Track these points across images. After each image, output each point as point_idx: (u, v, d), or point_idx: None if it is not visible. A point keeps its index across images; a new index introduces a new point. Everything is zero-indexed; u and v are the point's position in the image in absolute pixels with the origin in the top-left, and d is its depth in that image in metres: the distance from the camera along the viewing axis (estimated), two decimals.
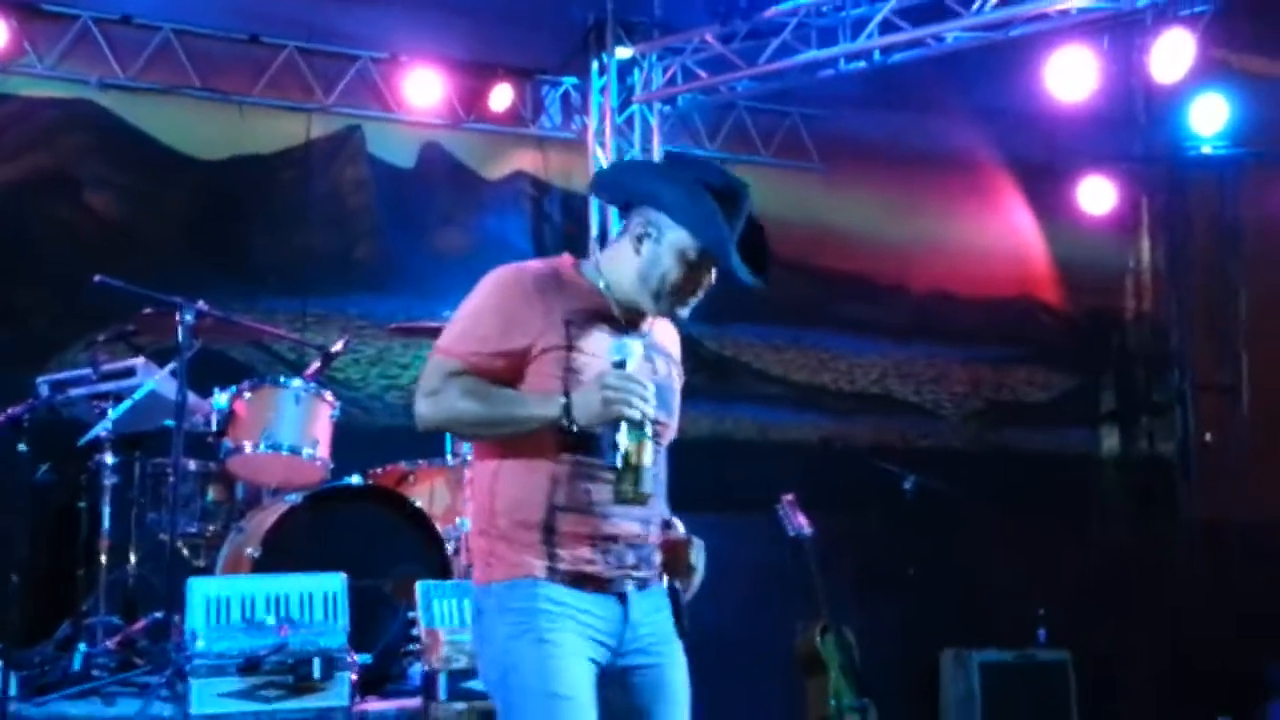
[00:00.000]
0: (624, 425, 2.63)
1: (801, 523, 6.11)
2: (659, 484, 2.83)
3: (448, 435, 5.61)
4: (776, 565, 6.05)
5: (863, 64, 7.25)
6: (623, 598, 2.76)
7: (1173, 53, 6.87)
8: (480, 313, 2.76)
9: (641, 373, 2.73)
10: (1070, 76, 6.99)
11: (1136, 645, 7.22)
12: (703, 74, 7.66)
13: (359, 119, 7.51)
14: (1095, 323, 8.79)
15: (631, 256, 2.81)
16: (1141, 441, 8.70)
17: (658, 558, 2.83)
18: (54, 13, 6.93)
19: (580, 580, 2.72)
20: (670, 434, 2.89)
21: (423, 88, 7.54)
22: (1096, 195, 8.34)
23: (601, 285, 2.83)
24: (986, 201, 8.41)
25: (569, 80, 8.06)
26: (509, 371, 2.73)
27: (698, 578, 2.89)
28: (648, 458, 2.65)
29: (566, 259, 2.90)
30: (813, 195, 8.07)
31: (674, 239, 2.77)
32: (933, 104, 7.89)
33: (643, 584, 2.79)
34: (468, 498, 2.66)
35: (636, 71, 7.90)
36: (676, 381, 2.93)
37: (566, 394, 2.67)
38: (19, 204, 6.66)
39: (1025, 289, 8.60)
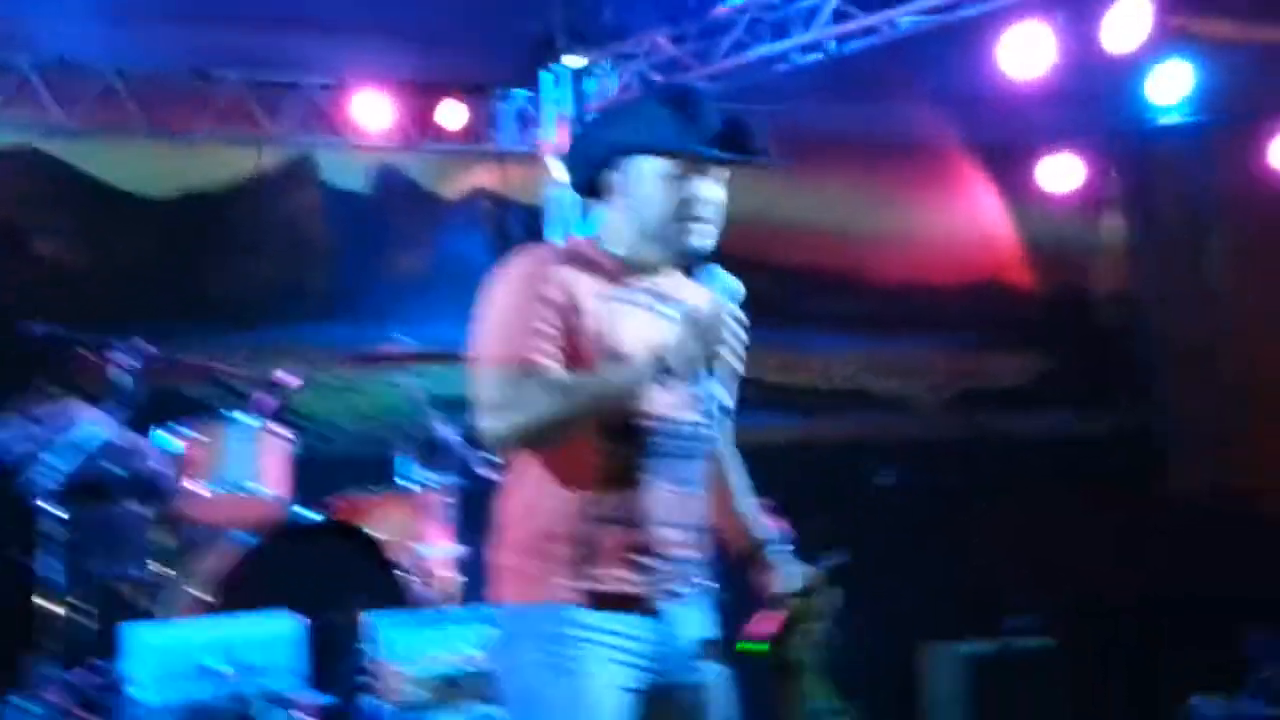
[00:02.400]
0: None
1: (776, 528, 6.02)
2: (707, 477, 2.73)
3: (398, 460, 5.54)
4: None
5: (817, 55, 7.17)
6: (660, 615, 2.62)
7: (1127, 23, 6.81)
8: (517, 306, 2.58)
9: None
10: (1025, 54, 6.89)
11: (1120, 627, 7.11)
12: (658, 77, 7.57)
13: (310, 146, 7.43)
14: (1067, 301, 8.67)
15: (624, 214, 2.67)
16: (1120, 419, 8.58)
17: (701, 569, 2.69)
18: None
19: (615, 602, 2.56)
20: (725, 409, 2.72)
21: (372, 110, 7.44)
22: (1061, 172, 8.23)
23: (621, 253, 2.68)
24: (951, 187, 8.31)
25: (521, 93, 7.96)
26: (566, 360, 2.58)
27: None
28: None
29: (582, 239, 2.75)
30: (775, 192, 7.93)
31: (647, 168, 2.63)
32: (891, 92, 7.79)
33: (681, 597, 2.65)
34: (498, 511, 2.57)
35: (589, 80, 7.80)
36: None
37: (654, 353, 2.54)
38: None
39: (993, 272, 8.49)
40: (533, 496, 2.59)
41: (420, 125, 7.65)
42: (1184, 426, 8.50)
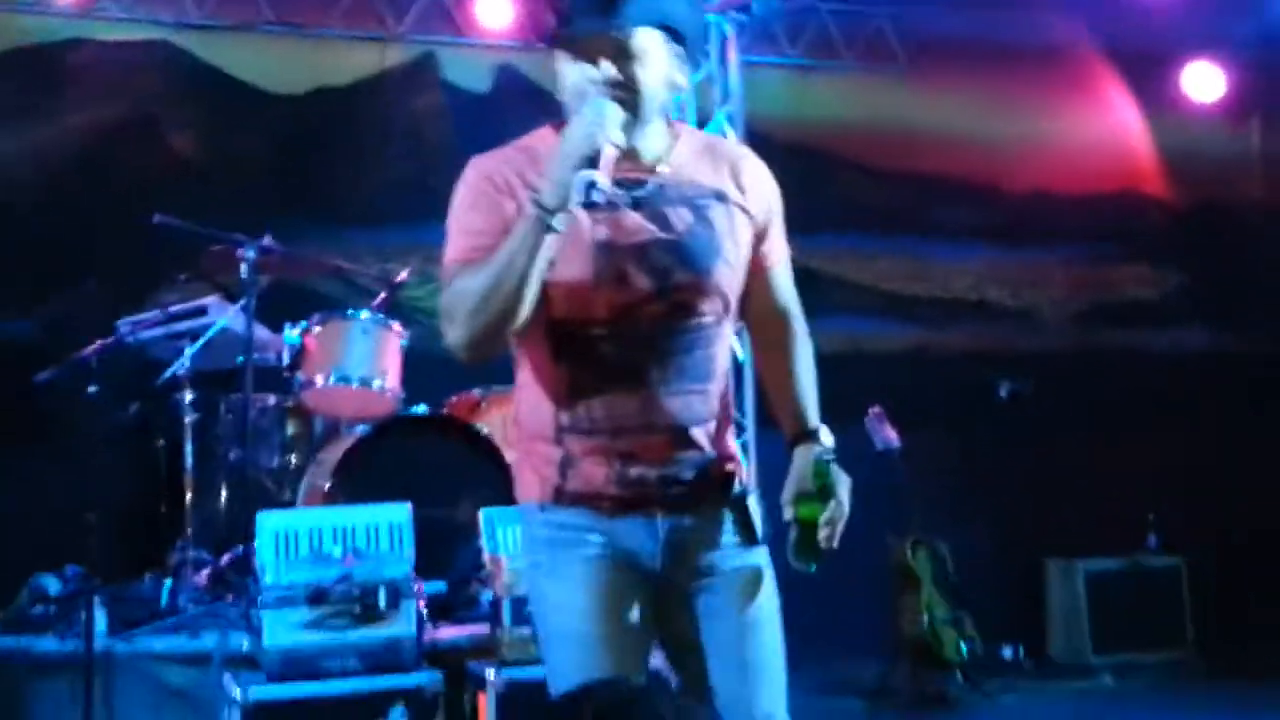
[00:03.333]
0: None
1: (890, 435, 5.99)
2: (708, 369, 2.51)
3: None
4: (866, 479, 5.93)
5: None
6: (651, 521, 2.49)
7: None
8: (459, 214, 2.52)
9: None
10: None
11: (1249, 549, 6.94)
12: None
13: (432, 45, 7.45)
14: (1204, 215, 8.30)
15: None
16: (1255, 337, 8.26)
17: (713, 471, 2.53)
18: None
19: (593, 501, 2.48)
20: (715, 294, 2.50)
21: (494, 10, 7.43)
22: (1203, 82, 7.92)
23: None
24: (1085, 94, 8.01)
25: None
26: None
27: (836, 511, 2.49)
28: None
29: (548, 128, 2.60)
30: (901, 98, 7.75)
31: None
32: None
33: (681, 506, 2.50)
34: None
35: None
36: (722, 224, 2.52)
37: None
38: (100, 150, 6.72)
39: (1129, 182, 8.19)
40: (521, 409, 2.58)
41: (540, 26, 7.59)
42: None
